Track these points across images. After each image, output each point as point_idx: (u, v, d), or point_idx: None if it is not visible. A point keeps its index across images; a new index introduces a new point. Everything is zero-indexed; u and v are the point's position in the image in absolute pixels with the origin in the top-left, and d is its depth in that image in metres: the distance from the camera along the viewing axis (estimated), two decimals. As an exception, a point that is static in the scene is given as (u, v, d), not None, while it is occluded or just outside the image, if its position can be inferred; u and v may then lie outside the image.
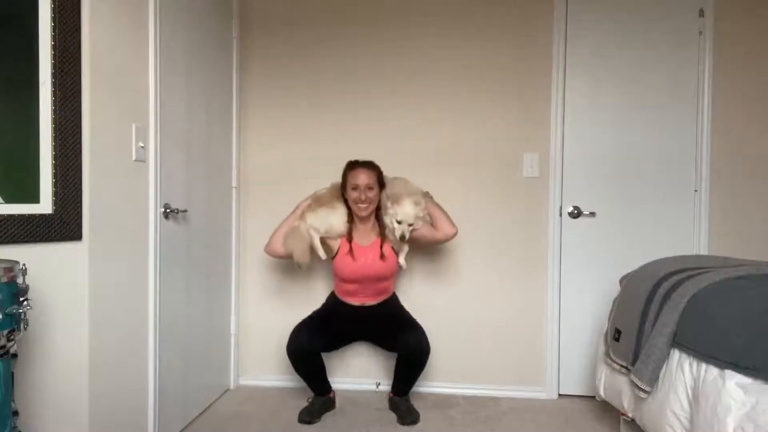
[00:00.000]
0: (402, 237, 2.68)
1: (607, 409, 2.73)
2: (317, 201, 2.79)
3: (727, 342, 1.80)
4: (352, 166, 2.77)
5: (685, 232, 3.04)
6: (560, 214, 3.08)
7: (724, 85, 3.01)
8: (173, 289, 2.45)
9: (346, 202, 2.78)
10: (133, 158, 2.14)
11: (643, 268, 2.46)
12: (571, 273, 3.08)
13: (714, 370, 1.81)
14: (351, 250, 2.75)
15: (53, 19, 1.79)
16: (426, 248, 3.09)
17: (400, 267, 2.84)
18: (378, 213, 2.79)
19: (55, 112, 1.81)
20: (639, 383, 2.09)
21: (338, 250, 2.78)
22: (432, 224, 2.76)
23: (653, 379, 2.06)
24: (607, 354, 2.45)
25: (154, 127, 2.26)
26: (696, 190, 3.03)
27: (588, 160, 3.08)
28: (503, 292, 3.13)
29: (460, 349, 3.14)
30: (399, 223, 2.67)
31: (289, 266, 3.22)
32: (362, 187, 2.70)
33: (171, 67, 2.40)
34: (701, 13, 3.01)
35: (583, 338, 3.07)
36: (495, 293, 3.13)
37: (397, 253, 2.81)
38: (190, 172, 2.62)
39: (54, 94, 1.80)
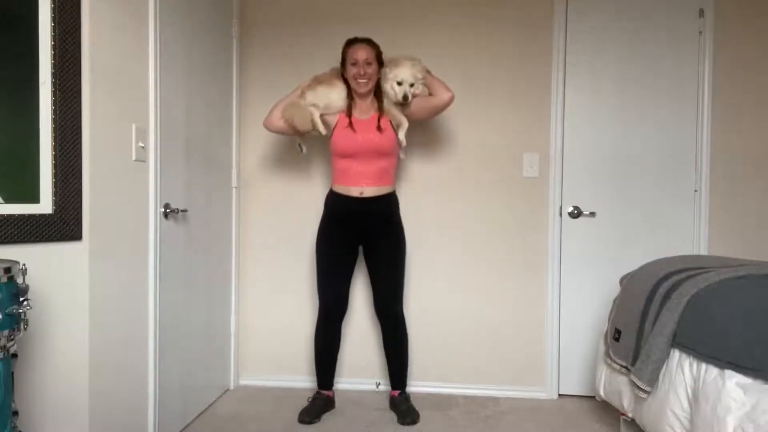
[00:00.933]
0: (405, 97, 2.66)
1: (607, 409, 2.73)
2: (316, 80, 2.77)
3: (727, 342, 1.80)
4: (351, 42, 2.72)
5: (685, 232, 3.04)
6: (560, 214, 3.08)
7: (724, 85, 3.01)
8: (173, 289, 2.45)
9: (345, 82, 2.75)
10: (133, 158, 2.14)
11: (643, 268, 2.46)
12: (571, 273, 3.08)
13: (714, 370, 1.81)
14: (350, 124, 2.70)
15: (53, 19, 1.79)
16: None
17: (399, 144, 2.77)
18: (377, 91, 2.75)
19: (55, 112, 1.81)
20: (639, 383, 2.09)
21: (336, 124, 2.73)
22: (429, 93, 2.73)
23: (653, 380, 2.06)
24: (607, 354, 2.45)
25: (154, 127, 2.26)
26: (696, 190, 3.03)
27: (588, 160, 3.08)
28: (503, 292, 3.13)
29: (460, 349, 3.14)
30: (399, 84, 2.66)
31: (288, 264, 3.22)
32: (361, 62, 2.66)
33: (171, 67, 2.40)
34: (701, 13, 3.01)
35: (583, 338, 3.07)
36: (495, 293, 3.13)
37: (395, 130, 2.74)
38: (190, 172, 2.62)
39: (54, 94, 1.80)
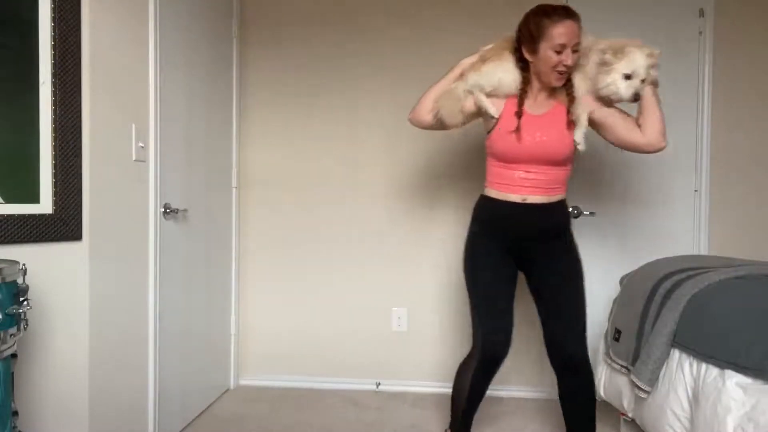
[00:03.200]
0: (636, 97, 1.96)
1: (607, 409, 2.73)
2: (482, 57, 2.12)
3: (726, 342, 1.80)
4: (554, 14, 1.92)
5: (685, 232, 3.04)
6: (560, 214, 3.08)
7: (724, 85, 3.01)
8: (173, 289, 2.45)
9: (518, 58, 2.04)
10: (133, 158, 2.14)
11: (643, 268, 2.46)
12: (571, 273, 3.08)
13: (714, 370, 1.81)
14: (518, 124, 2.00)
15: (53, 19, 1.79)
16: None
17: (575, 146, 2.06)
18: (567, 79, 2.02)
19: (55, 112, 1.81)
20: (639, 383, 2.09)
21: (500, 116, 2.04)
22: (638, 120, 2.02)
23: (653, 379, 2.05)
24: (607, 354, 2.45)
25: (154, 127, 2.26)
26: (696, 190, 3.03)
27: (588, 160, 3.07)
28: (503, 292, 3.13)
29: (461, 349, 3.14)
30: (628, 77, 1.95)
31: (288, 264, 3.22)
32: (570, 47, 1.92)
33: (171, 67, 2.40)
34: (701, 13, 3.01)
35: (583, 338, 3.06)
36: (495, 293, 3.13)
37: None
38: (190, 172, 2.62)
39: (54, 94, 1.81)
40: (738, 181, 3.02)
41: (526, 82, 2.03)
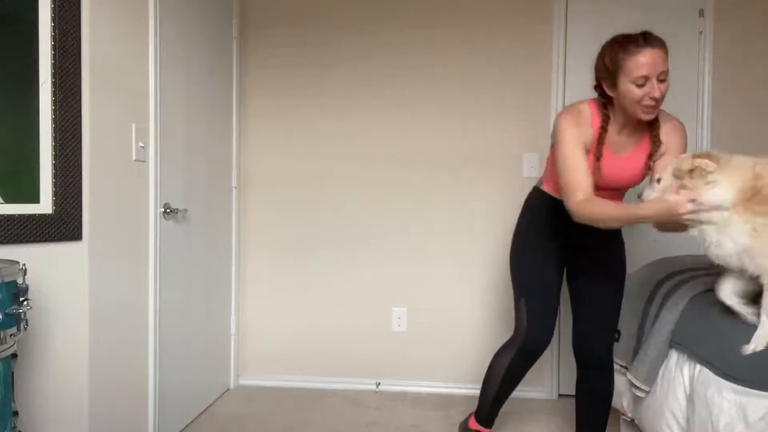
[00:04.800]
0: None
1: (607, 409, 2.73)
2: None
3: (722, 344, 1.80)
4: (631, 42, 1.75)
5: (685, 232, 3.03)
6: (560, 214, 3.08)
7: (724, 84, 3.01)
8: (173, 289, 2.45)
9: (600, 93, 1.90)
10: (133, 158, 2.15)
11: (643, 268, 2.46)
12: (571, 273, 3.07)
13: (707, 371, 1.81)
14: (597, 167, 1.86)
15: (53, 19, 1.79)
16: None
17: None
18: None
19: (55, 112, 1.81)
20: (635, 381, 2.08)
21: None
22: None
23: (650, 378, 2.05)
24: (607, 354, 2.45)
25: (154, 127, 2.26)
26: (696, 190, 3.03)
27: (588, 160, 3.07)
28: (503, 292, 3.12)
29: (461, 349, 3.14)
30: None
31: (288, 264, 3.22)
32: (654, 77, 1.73)
33: (171, 67, 2.40)
34: (701, 13, 3.01)
35: (583, 338, 3.06)
36: (495, 293, 3.13)
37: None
38: (190, 172, 2.62)
39: (54, 94, 1.81)
40: (738, 181, 3.02)
41: (605, 120, 1.87)
